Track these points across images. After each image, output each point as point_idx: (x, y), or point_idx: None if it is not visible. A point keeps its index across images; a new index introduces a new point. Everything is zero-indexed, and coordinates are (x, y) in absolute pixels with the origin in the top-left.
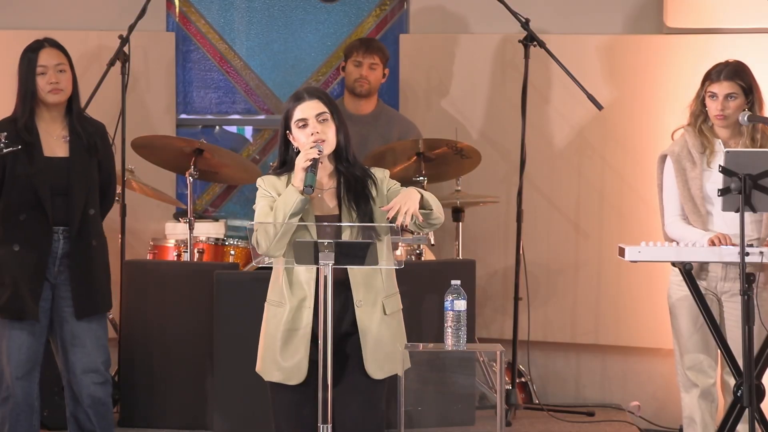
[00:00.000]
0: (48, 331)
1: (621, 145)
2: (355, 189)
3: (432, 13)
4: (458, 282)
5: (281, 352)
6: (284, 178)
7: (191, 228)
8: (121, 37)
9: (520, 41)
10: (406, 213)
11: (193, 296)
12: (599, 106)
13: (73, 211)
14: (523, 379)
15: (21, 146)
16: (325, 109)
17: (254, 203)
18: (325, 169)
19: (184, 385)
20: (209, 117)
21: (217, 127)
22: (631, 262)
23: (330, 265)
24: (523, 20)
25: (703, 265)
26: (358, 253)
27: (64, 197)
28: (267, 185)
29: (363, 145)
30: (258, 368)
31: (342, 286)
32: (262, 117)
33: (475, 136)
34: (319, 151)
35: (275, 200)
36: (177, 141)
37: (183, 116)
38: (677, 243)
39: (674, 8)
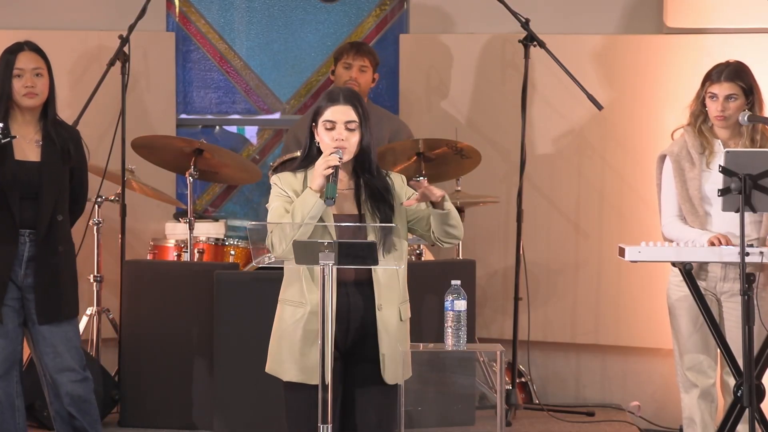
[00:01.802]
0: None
1: (621, 145)
2: (379, 197)
3: (432, 13)
4: (458, 282)
5: (302, 352)
6: (300, 176)
7: (191, 228)
8: (121, 37)
9: (520, 41)
10: (428, 189)
11: (193, 296)
12: (599, 106)
13: (41, 215)
14: (523, 379)
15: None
16: (356, 118)
17: (254, 203)
18: (345, 168)
19: (185, 385)
20: (209, 117)
21: (217, 127)
22: (631, 262)
23: (332, 265)
24: (523, 20)
25: (703, 266)
26: (365, 253)
27: (32, 201)
28: (283, 184)
29: None
30: (270, 368)
31: (364, 287)
32: (261, 117)
33: (475, 137)
34: (340, 158)
35: (291, 200)
36: (177, 141)
37: (183, 116)
38: (675, 243)
39: (674, 8)
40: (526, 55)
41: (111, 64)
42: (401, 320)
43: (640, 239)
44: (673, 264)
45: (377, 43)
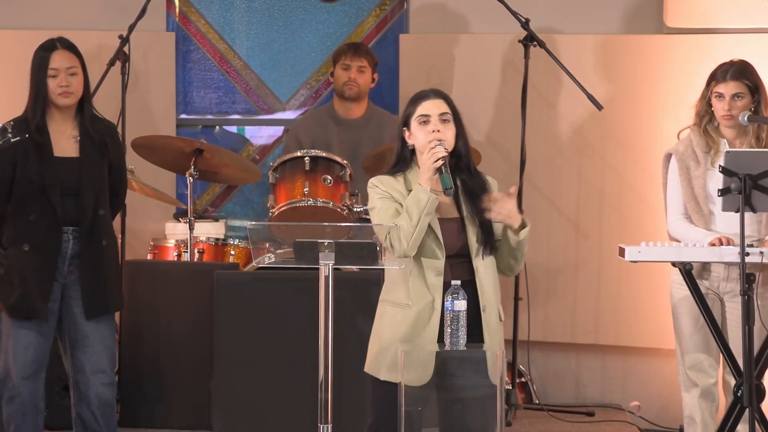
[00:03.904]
0: (56, 331)
1: (621, 145)
2: (476, 198)
3: (432, 13)
4: (458, 282)
5: (405, 352)
6: (400, 177)
7: (191, 228)
8: (121, 37)
9: (520, 41)
10: (501, 214)
11: (193, 296)
12: (599, 106)
13: (83, 211)
14: (523, 379)
15: (27, 134)
16: (448, 110)
17: (254, 203)
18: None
19: (185, 385)
20: (209, 117)
21: (217, 127)
22: (631, 262)
23: (331, 264)
24: (523, 20)
25: (706, 265)
26: (365, 254)
27: (74, 197)
28: (386, 186)
29: (355, 149)
30: (368, 368)
31: (467, 289)
32: (262, 117)
33: (475, 136)
34: (446, 149)
35: (395, 200)
36: (177, 141)
37: (183, 116)
38: (679, 242)
39: (674, 8)
40: (526, 55)
41: (111, 64)
42: (500, 320)
43: (640, 239)
44: (673, 264)
45: (377, 44)
